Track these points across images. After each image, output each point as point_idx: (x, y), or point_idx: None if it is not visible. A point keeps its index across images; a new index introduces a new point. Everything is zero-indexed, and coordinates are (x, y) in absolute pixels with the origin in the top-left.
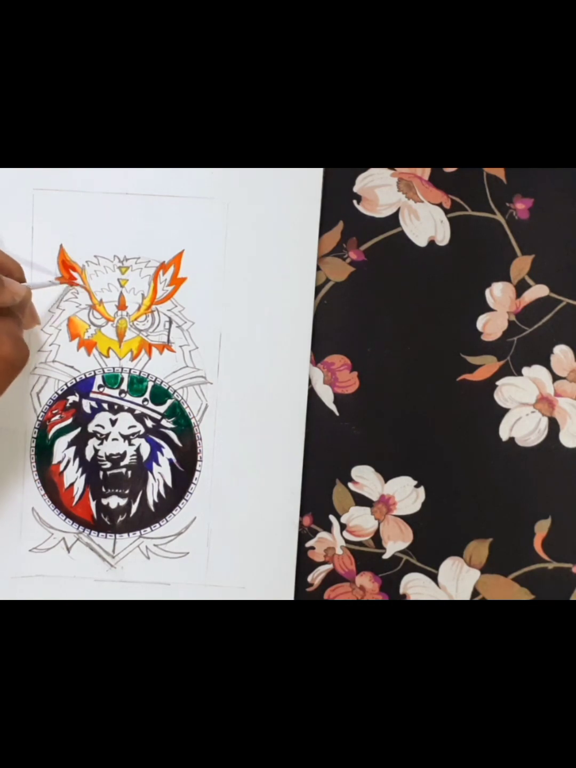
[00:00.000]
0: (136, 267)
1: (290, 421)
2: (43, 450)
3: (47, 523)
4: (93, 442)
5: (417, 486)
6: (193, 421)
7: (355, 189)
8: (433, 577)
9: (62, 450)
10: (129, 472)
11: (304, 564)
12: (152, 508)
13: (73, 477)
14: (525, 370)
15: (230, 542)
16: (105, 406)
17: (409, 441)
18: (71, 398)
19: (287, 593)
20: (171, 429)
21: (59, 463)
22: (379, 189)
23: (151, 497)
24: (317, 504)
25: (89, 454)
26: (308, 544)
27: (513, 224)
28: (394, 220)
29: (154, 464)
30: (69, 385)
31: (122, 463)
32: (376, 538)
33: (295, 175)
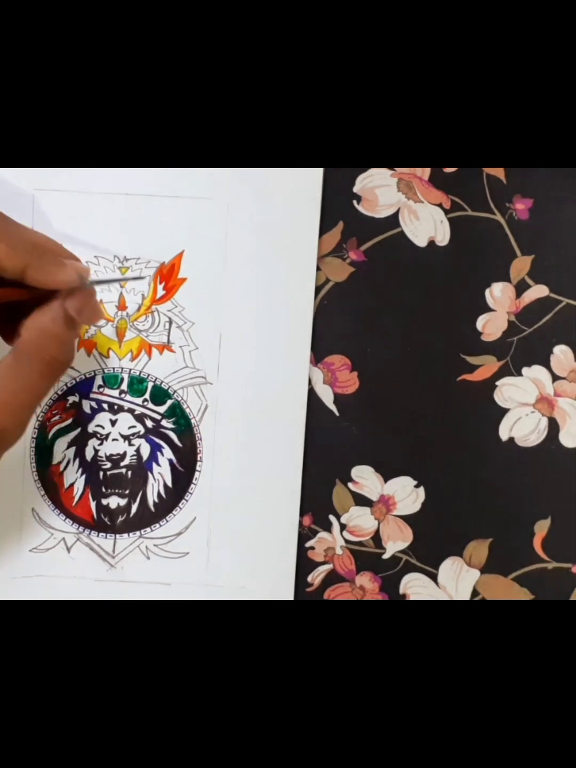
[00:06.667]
0: (136, 267)
1: (290, 421)
2: (42, 450)
3: (47, 524)
4: (93, 443)
5: (417, 486)
6: (193, 421)
7: (355, 189)
8: (433, 577)
9: (62, 450)
10: (129, 473)
11: (304, 564)
12: (152, 508)
13: (73, 477)
14: (525, 370)
15: (230, 542)
16: (105, 406)
17: (409, 441)
18: (71, 398)
19: (287, 593)
20: (171, 429)
21: (59, 463)
22: (379, 189)
23: (151, 497)
24: (317, 504)
25: (89, 454)
26: (308, 544)
27: (513, 224)
28: (394, 220)
29: (154, 464)
30: (69, 385)
31: (122, 464)
32: (376, 538)
33: (295, 175)
